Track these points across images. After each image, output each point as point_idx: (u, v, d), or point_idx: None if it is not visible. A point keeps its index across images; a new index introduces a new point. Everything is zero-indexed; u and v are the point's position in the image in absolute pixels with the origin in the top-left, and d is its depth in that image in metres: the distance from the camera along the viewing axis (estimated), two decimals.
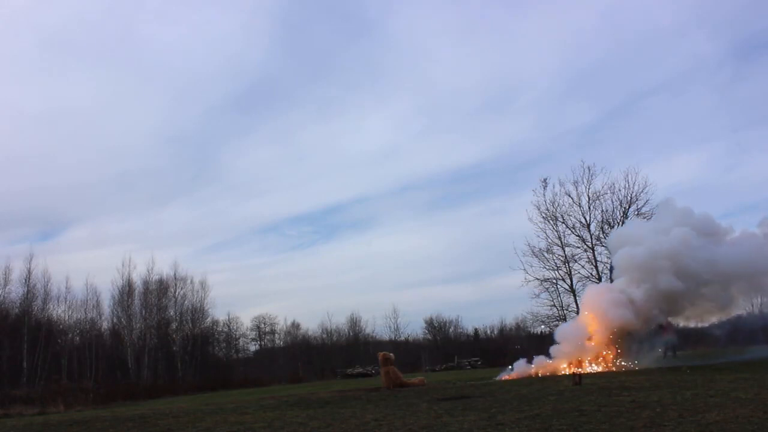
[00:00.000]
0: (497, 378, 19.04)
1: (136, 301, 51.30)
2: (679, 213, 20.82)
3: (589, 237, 31.82)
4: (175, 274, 53.17)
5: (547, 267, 32.43)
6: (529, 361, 19.87)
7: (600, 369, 18.93)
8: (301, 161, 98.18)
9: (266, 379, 48.25)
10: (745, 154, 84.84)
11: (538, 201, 32.96)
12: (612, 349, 19.41)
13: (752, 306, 50.61)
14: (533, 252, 32.40)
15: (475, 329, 66.64)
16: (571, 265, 32.19)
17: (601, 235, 31.16)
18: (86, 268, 75.35)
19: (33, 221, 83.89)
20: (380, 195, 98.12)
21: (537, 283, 32.41)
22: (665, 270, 18.80)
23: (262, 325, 63.99)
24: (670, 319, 27.80)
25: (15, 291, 46.56)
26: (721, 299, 19.81)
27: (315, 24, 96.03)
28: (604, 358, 19.34)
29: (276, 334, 64.62)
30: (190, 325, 53.61)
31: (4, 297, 46.39)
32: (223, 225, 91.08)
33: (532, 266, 32.38)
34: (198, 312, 53.90)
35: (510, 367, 20.41)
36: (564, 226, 32.31)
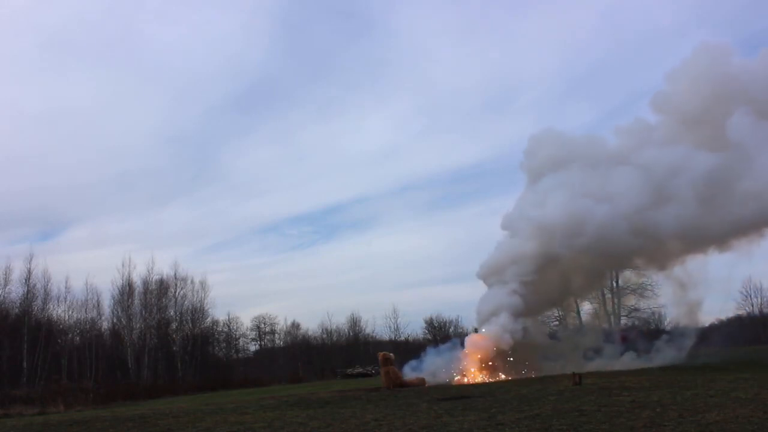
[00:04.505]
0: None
1: (136, 301, 51.22)
2: None
3: None
4: (175, 274, 53.11)
5: None
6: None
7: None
8: (301, 161, 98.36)
9: (266, 379, 48.19)
10: None
11: None
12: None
13: (752, 306, 50.53)
14: None
15: (475, 329, 66.40)
16: None
17: None
18: (86, 268, 75.18)
19: (33, 221, 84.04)
20: (380, 195, 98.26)
21: None
22: None
23: (262, 325, 63.86)
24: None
25: (15, 291, 46.49)
26: None
27: (315, 24, 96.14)
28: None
29: (276, 334, 64.47)
30: (190, 325, 53.53)
31: (4, 297, 46.35)
32: (223, 225, 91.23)
33: None
34: (198, 312, 53.83)
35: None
36: None
